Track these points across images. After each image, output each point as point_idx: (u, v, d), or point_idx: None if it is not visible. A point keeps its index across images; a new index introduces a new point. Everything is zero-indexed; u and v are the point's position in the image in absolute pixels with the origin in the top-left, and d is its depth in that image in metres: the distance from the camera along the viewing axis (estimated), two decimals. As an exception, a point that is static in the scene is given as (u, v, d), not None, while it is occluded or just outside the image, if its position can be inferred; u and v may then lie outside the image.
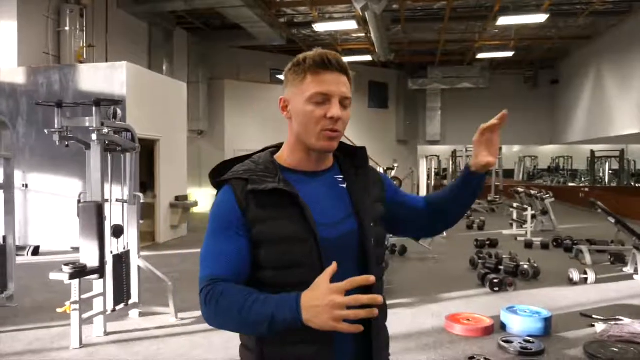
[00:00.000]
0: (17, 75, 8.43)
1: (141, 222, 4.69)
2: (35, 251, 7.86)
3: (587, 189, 16.58)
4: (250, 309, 1.08)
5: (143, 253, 7.79)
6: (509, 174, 23.33)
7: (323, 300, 1.02)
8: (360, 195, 1.27)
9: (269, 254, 1.17)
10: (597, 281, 6.11)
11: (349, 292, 1.06)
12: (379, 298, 1.03)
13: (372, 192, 1.31)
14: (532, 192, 11.12)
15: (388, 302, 1.34)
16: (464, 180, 1.37)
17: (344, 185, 1.28)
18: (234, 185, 1.21)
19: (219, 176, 1.26)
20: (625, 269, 6.79)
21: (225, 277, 1.17)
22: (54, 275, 3.81)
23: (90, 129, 3.97)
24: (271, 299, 1.09)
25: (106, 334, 4.25)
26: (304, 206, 1.18)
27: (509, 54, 16.87)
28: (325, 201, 1.24)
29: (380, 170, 9.97)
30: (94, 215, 4.02)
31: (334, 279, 1.11)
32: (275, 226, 1.17)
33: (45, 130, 4.22)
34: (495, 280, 5.78)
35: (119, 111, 4.42)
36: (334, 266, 1.06)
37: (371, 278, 1.05)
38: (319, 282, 1.06)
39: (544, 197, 10.48)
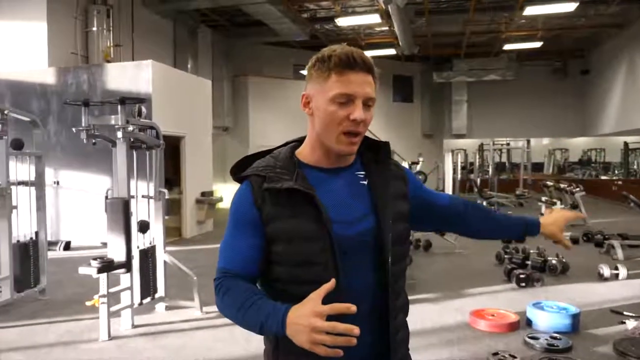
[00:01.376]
0: (47, 76, 8.66)
1: (167, 217, 4.77)
2: (67, 246, 8.09)
3: (620, 182, 16.11)
4: (246, 312, 1.12)
5: (170, 248, 7.95)
6: (538, 167, 22.86)
7: (304, 321, 1.02)
8: (380, 191, 1.25)
9: (284, 251, 1.18)
10: (629, 277, 5.93)
11: (359, 295, 1.15)
12: (355, 329, 1.00)
13: (393, 188, 1.29)
14: (562, 185, 10.88)
15: (412, 298, 1.35)
16: (521, 230, 1.56)
17: (365, 182, 1.26)
18: (252, 182, 1.22)
19: (240, 171, 1.28)
20: (658, 264, 6.58)
21: (236, 272, 1.20)
22: (82, 270, 3.92)
23: (116, 127, 4.06)
24: (265, 307, 1.11)
25: (134, 326, 4.35)
26: (319, 205, 1.17)
27: (537, 44, 16.48)
28: (344, 199, 1.23)
29: (405, 164, 9.89)
30: (120, 211, 4.11)
31: (353, 276, 1.16)
32: (290, 224, 1.17)
33: (73, 129, 4.33)
34: (522, 276, 5.68)
35: (143, 109, 4.50)
36: (332, 283, 1.07)
37: (352, 308, 1.01)
38: (309, 298, 1.05)
39: (574, 190, 10.24)
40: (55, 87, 8.60)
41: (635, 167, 20.66)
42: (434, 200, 1.44)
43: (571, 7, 11.99)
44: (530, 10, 12.29)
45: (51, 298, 5.21)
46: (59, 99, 8.46)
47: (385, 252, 1.21)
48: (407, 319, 1.36)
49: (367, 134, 1.28)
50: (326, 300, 1.04)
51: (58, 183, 8.54)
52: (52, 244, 7.92)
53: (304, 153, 1.27)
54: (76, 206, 8.47)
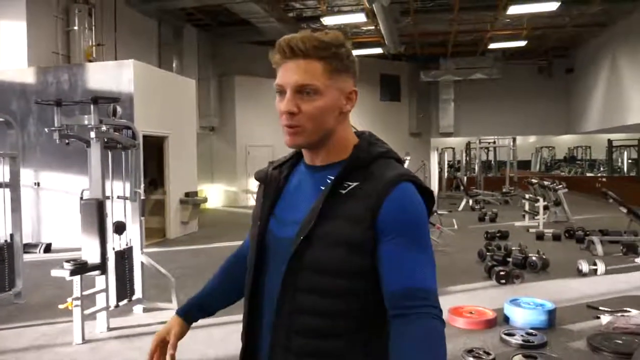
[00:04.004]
0: (27, 75, 8.55)
1: (142, 218, 4.72)
2: (47, 248, 7.99)
3: (603, 179, 16.29)
4: None
5: (153, 249, 7.92)
6: (525, 165, 23.03)
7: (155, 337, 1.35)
8: (317, 203, 1.07)
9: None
10: (607, 272, 6.02)
11: (271, 299, 1.12)
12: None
13: (345, 206, 1.05)
14: (545, 183, 10.97)
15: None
16: None
17: (322, 187, 1.10)
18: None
19: None
20: (637, 260, 6.65)
21: (242, 245, 1.39)
22: (55, 272, 3.87)
23: (89, 126, 4.01)
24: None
25: (109, 329, 4.30)
26: (264, 196, 1.20)
27: (522, 43, 16.59)
28: (296, 198, 1.15)
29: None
30: (94, 212, 4.07)
31: (270, 277, 1.14)
32: (256, 206, 1.23)
33: (45, 129, 4.27)
34: (502, 273, 5.71)
35: (118, 108, 4.45)
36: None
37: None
38: (173, 332, 1.34)
39: (557, 187, 10.33)
40: (36, 86, 8.50)
41: (619, 164, 20.90)
42: (382, 270, 1.04)
43: (553, 6, 12.08)
44: (513, 10, 12.36)
45: (27, 301, 5.14)
46: (39, 99, 8.35)
47: (287, 273, 1.06)
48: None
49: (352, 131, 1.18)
50: (248, 292, 1.17)
51: (39, 184, 8.44)
52: (32, 247, 7.84)
53: None
54: (57, 208, 8.37)
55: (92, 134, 3.99)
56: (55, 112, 4.09)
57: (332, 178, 1.09)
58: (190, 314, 1.36)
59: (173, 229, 9.54)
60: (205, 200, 10.72)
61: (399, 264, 1.02)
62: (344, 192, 1.07)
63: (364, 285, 1.06)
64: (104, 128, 4.03)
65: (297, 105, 1.07)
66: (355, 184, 1.07)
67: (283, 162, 1.25)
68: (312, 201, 1.09)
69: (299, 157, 1.23)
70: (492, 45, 17.02)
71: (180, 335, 1.33)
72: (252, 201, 15.10)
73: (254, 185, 15.54)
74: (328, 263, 1.05)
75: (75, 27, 9.63)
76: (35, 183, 8.41)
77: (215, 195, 14.44)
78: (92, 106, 4.04)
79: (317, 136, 1.10)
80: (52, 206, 8.43)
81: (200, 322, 4.36)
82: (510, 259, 6.43)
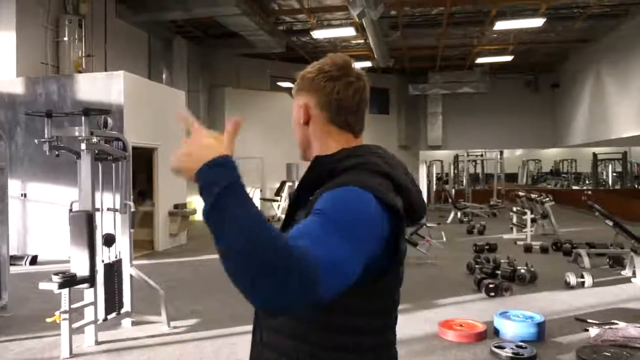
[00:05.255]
0: (15, 86, 8.49)
1: (132, 230, 4.69)
2: (33, 260, 7.88)
3: (589, 192, 16.48)
4: None
5: (141, 261, 7.84)
6: (512, 177, 23.25)
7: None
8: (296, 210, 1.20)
9: None
10: (595, 285, 6.07)
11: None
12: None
13: (304, 212, 1.10)
14: (533, 195, 11.08)
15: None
16: None
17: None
18: None
19: None
20: (623, 272, 6.74)
21: None
22: (43, 285, 3.82)
23: (79, 138, 4.00)
24: None
25: (97, 343, 4.24)
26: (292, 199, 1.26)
27: (508, 58, 16.85)
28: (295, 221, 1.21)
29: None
30: (84, 224, 4.03)
31: None
32: None
33: (35, 140, 4.24)
34: (491, 285, 5.74)
35: (109, 120, 4.44)
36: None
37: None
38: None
39: (544, 200, 10.43)
40: (24, 97, 8.44)
41: (604, 177, 21.19)
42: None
43: (539, 22, 12.33)
44: (500, 25, 12.57)
45: (14, 314, 5.05)
46: (27, 110, 8.29)
47: None
48: None
49: None
50: None
51: (25, 195, 8.35)
52: (18, 259, 7.72)
53: None
54: (44, 219, 8.27)
55: (83, 146, 3.97)
56: (46, 123, 4.07)
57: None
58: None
59: (162, 241, 9.46)
60: (194, 212, 10.65)
61: (301, 223, 0.99)
62: (311, 198, 1.10)
63: None
64: (95, 140, 4.01)
65: None
66: (319, 190, 1.08)
67: None
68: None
69: None
70: (480, 60, 17.27)
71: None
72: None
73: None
74: None
75: (65, 38, 9.60)
76: (22, 194, 8.31)
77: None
78: (83, 118, 4.03)
79: (300, 148, 1.29)
80: (39, 218, 8.33)
81: (191, 335, 4.32)
82: (499, 272, 6.47)
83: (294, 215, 1.20)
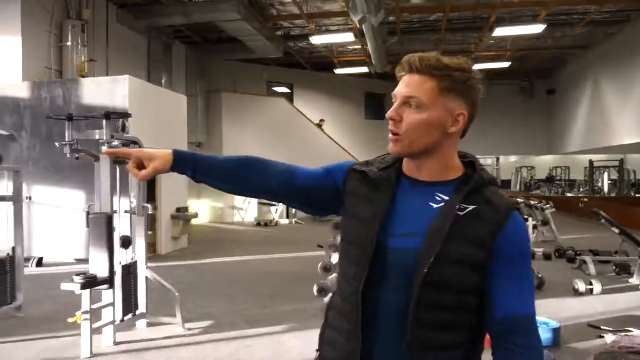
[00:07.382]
0: (21, 90, 8.50)
1: (149, 232, 4.73)
2: (39, 263, 7.88)
3: (586, 199, 16.61)
4: None
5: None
6: (506, 184, 23.43)
7: None
8: (443, 222, 1.12)
9: (345, 225, 1.28)
10: (603, 292, 6.04)
11: (379, 302, 1.15)
12: None
13: (466, 228, 1.12)
14: (532, 202, 11.15)
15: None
16: None
17: (436, 206, 1.16)
18: (352, 165, 1.32)
19: None
20: (631, 280, 6.72)
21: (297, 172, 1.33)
22: (65, 286, 3.85)
23: (101, 141, 4.04)
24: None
25: (116, 343, 4.27)
26: (378, 198, 1.19)
27: (505, 64, 17.04)
28: (407, 212, 1.18)
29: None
30: (104, 226, 4.07)
31: (378, 283, 1.15)
32: (358, 204, 1.24)
33: (57, 144, 4.28)
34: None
35: (127, 124, 4.49)
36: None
37: None
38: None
39: (545, 207, 10.50)
40: (30, 101, 8.45)
41: (600, 184, 21.33)
42: (490, 294, 1.15)
43: (539, 29, 12.46)
44: (499, 32, 12.71)
45: (28, 315, 5.06)
46: (32, 114, 8.32)
47: (415, 281, 1.10)
48: None
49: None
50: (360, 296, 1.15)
51: (30, 198, 8.32)
52: (24, 261, 7.70)
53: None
54: (49, 222, 8.27)
55: (104, 149, 4.01)
56: (67, 126, 4.11)
57: (442, 196, 1.16)
58: (183, 161, 1.24)
59: (164, 245, 9.47)
60: (196, 215, 10.69)
61: (509, 290, 1.16)
62: (461, 214, 1.13)
63: (477, 301, 1.17)
64: (115, 143, 4.06)
65: (399, 114, 1.17)
66: (472, 207, 1.14)
67: (387, 166, 1.25)
68: (422, 216, 1.15)
69: (400, 165, 1.25)
70: (476, 66, 17.26)
71: (157, 172, 1.22)
72: (238, 217, 15.11)
73: (239, 201, 15.59)
74: (454, 281, 1.12)
75: (69, 43, 9.63)
76: (27, 197, 8.27)
77: (201, 211, 14.38)
78: (104, 121, 4.08)
79: (417, 148, 1.17)
80: (44, 220, 8.33)
81: (207, 337, 4.35)
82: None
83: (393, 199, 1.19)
